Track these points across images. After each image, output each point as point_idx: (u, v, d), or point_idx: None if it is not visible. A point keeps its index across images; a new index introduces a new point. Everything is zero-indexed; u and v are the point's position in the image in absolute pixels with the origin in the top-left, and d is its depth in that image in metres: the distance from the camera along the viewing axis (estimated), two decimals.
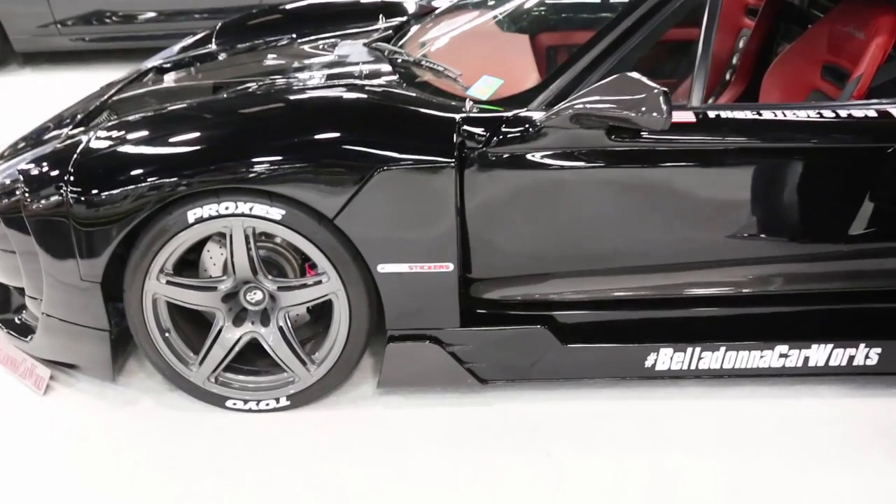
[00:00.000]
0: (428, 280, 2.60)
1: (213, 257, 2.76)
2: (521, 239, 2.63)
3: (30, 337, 2.91)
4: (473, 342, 2.72)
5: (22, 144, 3.05)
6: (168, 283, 2.63)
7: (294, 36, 3.62)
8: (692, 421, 2.73)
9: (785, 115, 2.56)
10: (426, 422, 2.73)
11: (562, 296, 2.75)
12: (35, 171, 2.66)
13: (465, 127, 2.50)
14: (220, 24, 3.92)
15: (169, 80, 3.34)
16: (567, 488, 2.48)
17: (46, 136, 3.00)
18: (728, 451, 2.60)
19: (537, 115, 2.52)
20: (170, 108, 2.80)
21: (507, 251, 2.65)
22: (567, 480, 2.51)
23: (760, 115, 2.56)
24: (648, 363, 2.74)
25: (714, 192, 2.60)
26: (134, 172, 2.52)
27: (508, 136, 2.51)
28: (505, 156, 2.51)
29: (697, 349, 2.72)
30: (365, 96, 2.67)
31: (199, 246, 2.70)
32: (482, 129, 2.51)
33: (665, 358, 2.73)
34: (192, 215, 2.51)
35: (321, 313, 2.91)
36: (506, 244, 2.63)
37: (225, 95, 2.85)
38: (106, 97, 3.19)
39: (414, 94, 2.69)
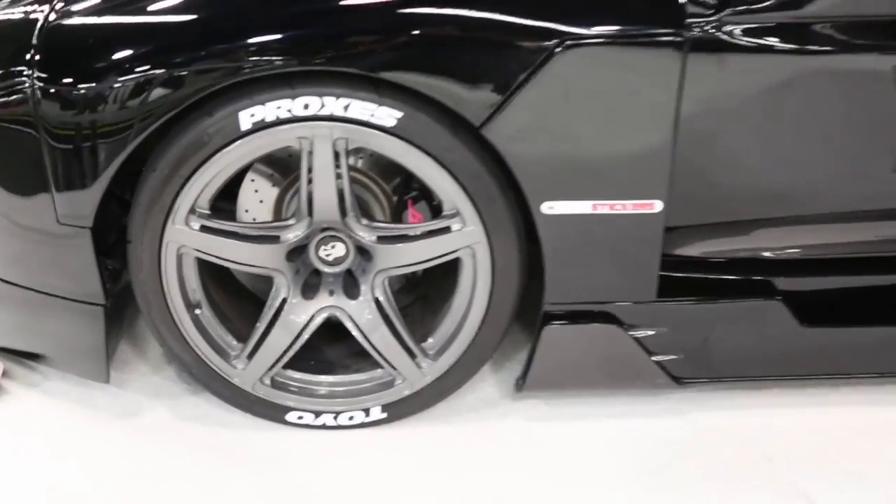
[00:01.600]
0: (620, 226, 1.64)
1: (259, 191, 1.79)
2: (751, 163, 1.68)
3: None
4: (669, 322, 1.78)
5: None
6: (203, 228, 1.64)
7: None
8: None
9: None
10: (594, 442, 1.79)
11: (801, 252, 1.84)
12: None
13: None
14: None
15: None
16: None
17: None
18: None
19: None
20: None
21: (726, 183, 1.70)
22: None
23: None
24: None
25: None
26: (146, 47, 1.53)
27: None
28: (748, 30, 1.55)
29: None
30: None
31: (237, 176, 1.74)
32: None
33: None
34: (247, 117, 1.53)
35: (421, 279, 1.97)
36: (727, 171, 1.68)
37: None
38: None
39: None
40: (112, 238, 1.76)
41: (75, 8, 1.61)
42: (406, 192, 1.85)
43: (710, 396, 1.91)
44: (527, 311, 1.79)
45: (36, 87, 1.55)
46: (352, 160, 1.76)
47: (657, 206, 1.64)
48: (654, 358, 1.80)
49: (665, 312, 1.77)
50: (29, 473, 1.72)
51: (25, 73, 1.56)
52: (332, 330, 1.80)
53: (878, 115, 1.66)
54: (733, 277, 1.82)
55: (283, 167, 1.77)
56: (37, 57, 1.56)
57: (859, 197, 1.77)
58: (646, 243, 1.68)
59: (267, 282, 1.77)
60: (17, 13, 1.67)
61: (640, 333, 1.78)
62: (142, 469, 1.73)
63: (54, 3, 1.65)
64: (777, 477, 1.72)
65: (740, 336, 1.82)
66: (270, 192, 1.79)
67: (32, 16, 1.62)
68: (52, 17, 1.60)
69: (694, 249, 1.81)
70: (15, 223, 1.69)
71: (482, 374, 1.94)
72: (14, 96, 1.57)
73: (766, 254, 1.83)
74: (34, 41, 1.58)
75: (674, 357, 1.81)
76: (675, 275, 1.80)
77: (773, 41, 1.57)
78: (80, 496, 1.68)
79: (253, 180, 1.79)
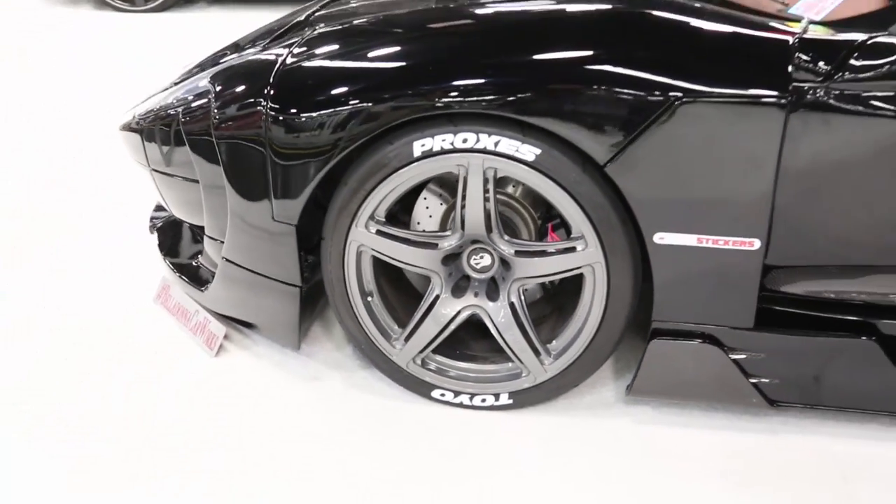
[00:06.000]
0: (722, 259, 1.86)
1: (429, 207, 2.16)
2: (851, 214, 1.83)
3: (205, 286, 2.37)
4: (766, 350, 1.95)
5: (196, 70, 2.55)
6: (379, 232, 2.01)
7: None
8: None
9: None
10: (692, 446, 1.99)
11: (893, 298, 2.01)
12: (228, 85, 2.13)
13: (801, 53, 1.80)
14: None
15: None
16: None
17: (223, 61, 2.50)
18: None
19: None
20: (394, 14, 2.23)
21: (827, 230, 1.85)
22: None
23: None
24: None
25: None
26: (349, 89, 1.90)
27: (863, 68, 1.77)
28: (852, 97, 1.72)
29: None
30: (660, 9, 1.96)
31: (408, 197, 2.10)
32: (824, 58, 1.77)
33: None
34: (418, 147, 1.88)
35: (556, 291, 2.29)
36: (828, 219, 1.83)
37: (456, 5, 2.26)
38: (306, 15, 2.66)
39: (721, 8, 1.99)
40: (315, 239, 2.14)
41: (302, 55, 2.07)
42: (549, 218, 2.18)
43: (803, 421, 2.05)
44: (645, 325, 2.02)
45: (268, 115, 1.97)
46: (510, 189, 2.12)
47: (756, 244, 1.83)
48: (750, 379, 1.97)
49: (763, 340, 1.94)
50: (230, 415, 2.16)
51: (262, 103, 2.01)
52: (471, 327, 2.12)
53: None
54: (831, 316, 2.00)
55: (452, 188, 2.06)
56: (271, 92, 2.01)
57: None
58: (744, 276, 1.87)
59: (425, 280, 2.10)
60: (266, 55, 2.11)
61: (738, 356, 1.96)
62: (316, 426, 2.11)
63: (293, 47, 2.10)
64: (851, 495, 1.85)
65: (834, 369, 1.95)
66: (438, 209, 2.13)
67: (275, 58, 2.07)
68: (289, 60, 2.04)
69: (796, 288, 1.96)
70: (243, 219, 2.11)
71: (603, 379, 2.21)
72: (251, 121, 2.01)
73: (864, 297, 1.96)
74: (271, 79, 2.05)
75: (769, 381, 1.98)
76: (776, 308, 2.02)
77: (870, 105, 1.73)
78: (266, 425, 2.10)
79: (425, 198, 2.13)
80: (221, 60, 2.46)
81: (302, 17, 2.60)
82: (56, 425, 2.19)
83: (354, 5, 2.63)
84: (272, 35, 2.49)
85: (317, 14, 2.61)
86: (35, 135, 4.39)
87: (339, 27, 2.17)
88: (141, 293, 2.74)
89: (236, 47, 2.62)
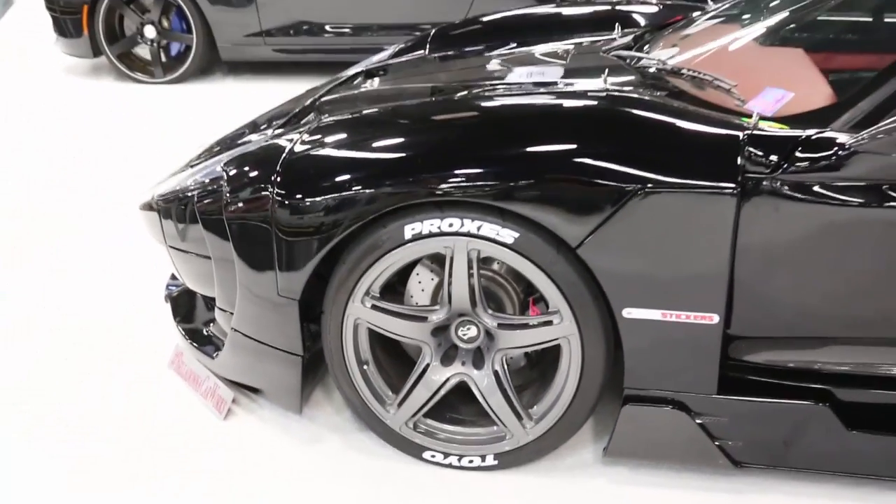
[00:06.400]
0: (684, 332, 2.04)
1: (421, 282, 2.34)
2: (804, 290, 2.01)
3: (216, 353, 2.56)
4: (730, 414, 2.11)
5: (217, 148, 2.74)
6: (373, 307, 2.19)
7: (515, 44, 3.24)
8: None
9: None
10: None
11: (847, 368, 2.14)
12: (239, 171, 2.34)
13: (751, 147, 2.01)
14: (434, 30, 3.60)
15: (378, 83, 3.03)
16: None
17: (240, 141, 2.73)
18: None
19: (845, 138, 1.99)
20: (392, 108, 2.45)
21: (783, 304, 2.03)
22: None
23: None
24: None
25: None
26: (348, 177, 2.11)
27: (806, 161, 1.96)
28: (798, 186, 1.92)
29: None
30: (624, 106, 2.19)
31: (404, 271, 2.29)
32: (771, 151, 1.97)
33: None
34: (409, 230, 2.08)
35: (539, 359, 2.46)
36: (783, 295, 2.02)
37: (455, 100, 2.49)
38: (313, 99, 2.90)
39: (681, 105, 2.21)
40: (318, 310, 2.32)
41: (306, 144, 2.29)
42: (531, 292, 2.37)
43: (767, 481, 2.21)
44: (616, 391, 2.20)
45: (275, 199, 2.18)
46: (496, 266, 2.31)
47: (715, 318, 2.01)
48: (716, 442, 2.13)
49: (726, 405, 2.10)
50: (239, 464, 2.31)
51: (269, 189, 2.20)
52: (459, 393, 2.28)
53: None
54: (788, 383, 2.17)
55: (442, 263, 2.20)
56: (278, 179, 2.21)
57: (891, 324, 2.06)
58: (705, 347, 2.04)
59: (417, 349, 2.30)
60: (274, 143, 2.33)
61: (703, 420, 2.12)
62: (314, 482, 2.28)
63: (301, 135, 2.30)
64: None
65: (793, 433, 2.10)
66: (430, 283, 2.31)
67: (282, 147, 2.27)
68: (296, 148, 2.23)
69: (758, 357, 2.13)
70: (251, 292, 2.29)
71: (583, 441, 2.37)
72: (259, 204, 2.23)
73: (819, 366, 2.13)
74: (278, 167, 2.26)
75: (733, 443, 2.13)
76: (739, 375, 2.19)
77: (814, 194, 1.92)
78: (271, 484, 2.24)
79: (418, 273, 2.32)
80: (239, 141, 2.69)
81: (308, 102, 2.83)
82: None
83: (355, 93, 2.87)
84: (284, 117, 2.73)
85: (323, 99, 2.84)
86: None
87: (336, 119, 2.38)
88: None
89: (254, 126, 2.86)
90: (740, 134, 1.98)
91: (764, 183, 1.94)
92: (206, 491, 2.12)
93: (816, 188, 1.94)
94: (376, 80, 3.03)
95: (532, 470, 2.30)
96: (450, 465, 2.30)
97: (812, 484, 2.21)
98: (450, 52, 3.30)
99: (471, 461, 2.29)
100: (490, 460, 2.28)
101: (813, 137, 1.97)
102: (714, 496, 2.19)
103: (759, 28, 2.76)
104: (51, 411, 2.34)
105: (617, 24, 3.17)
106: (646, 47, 2.86)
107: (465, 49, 3.31)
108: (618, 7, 3.55)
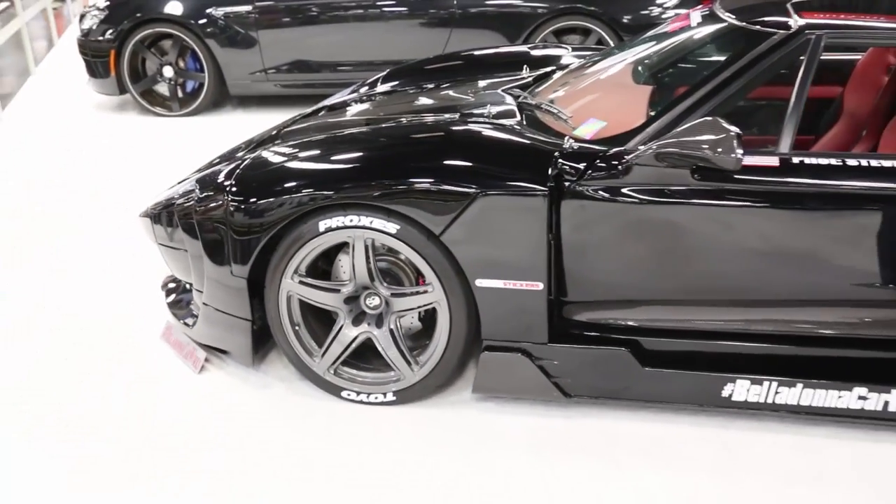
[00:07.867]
0: (520, 296, 2.76)
1: (342, 265, 3.09)
2: (611, 267, 2.73)
3: (194, 323, 3.36)
4: (560, 358, 2.84)
5: (217, 160, 3.51)
6: (300, 282, 2.92)
7: (446, 83, 4.01)
8: (766, 452, 2.69)
9: (869, 163, 2.63)
10: (514, 428, 2.84)
11: (647, 323, 2.82)
12: (207, 183, 3.15)
13: (563, 161, 2.75)
14: (387, 70, 4.40)
15: (333, 115, 3.81)
16: (640, 501, 2.55)
17: (237, 155, 3.52)
18: (797, 482, 2.57)
19: (630, 154, 2.72)
20: (318, 138, 3.22)
21: (597, 277, 2.76)
22: (641, 494, 2.57)
23: (844, 162, 2.64)
24: (726, 393, 2.74)
25: (793, 233, 2.62)
26: (283, 186, 2.84)
27: (600, 170, 2.69)
28: (597, 189, 2.66)
29: (774, 384, 2.70)
30: (477, 129, 2.95)
31: (333, 255, 3.08)
32: (578, 164, 2.69)
33: (742, 389, 2.73)
34: (322, 225, 2.81)
35: (432, 323, 3.23)
36: (596, 271, 2.75)
37: (367, 129, 3.28)
38: (280, 128, 3.71)
39: (520, 130, 2.96)
40: (262, 286, 3.08)
41: (254, 163, 3.07)
42: (420, 272, 3.11)
43: (594, 409, 2.92)
44: (481, 343, 2.91)
45: (229, 203, 2.96)
46: (401, 255, 3.06)
47: (540, 286, 2.74)
48: (551, 379, 2.87)
49: (557, 351, 2.82)
50: (208, 407, 3.02)
51: (225, 197, 3.04)
52: (369, 346, 3.02)
53: (675, 240, 2.68)
54: (606, 335, 2.89)
55: None
56: (232, 189, 3.04)
57: (681, 289, 2.78)
58: (536, 307, 2.76)
59: (335, 314, 3.04)
60: (231, 163, 3.17)
61: (541, 362, 2.85)
62: (260, 414, 2.97)
63: (253, 154, 3.13)
64: (611, 456, 2.72)
65: (606, 371, 2.83)
66: (349, 267, 3.12)
67: (236, 165, 3.12)
68: (245, 164, 3.04)
69: (582, 316, 2.86)
70: (215, 277, 3.08)
71: (465, 383, 3.09)
72: (219, 207, 2.97)
73: (630, 322, 2.84)
74: (232, 180, 3.07)
75: (564, 379, 2.86)
76: (571, 331, 2.92)
77: (610, 195, 2.65)
78: (233, 420, 2.93)
79: (339, 259, 3.07)
80: (236, 154, 3.46)
81: (275, 132, 3.64)
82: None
83: (310, 124, 3.65)
84: (259, 141, 3.53)
85: (285, 130, 3.65)
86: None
87: (278, 145, 3.18)
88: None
89: (249, 143, 3.64)
90: (556, 151, 2.74)
91: (570, 186, 2.69)
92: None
93: (609, 190, 2.68)
94: (334, 112, 3.81)
95: (423, 405, 3.02)
96: (360, 402, 3.05)
97: (628, 410, 2.92)
98: (396, 89, 4.07)
99: (376, 398, 3.04)
100: (390, 396, 3.02)
101: (609, 153, 2.72)
102: (552, 420, 2.90)
103: (614, 68, 3.51)
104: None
105: (525, 66, 3.94)
106: (540, 84, 3.62)
107: (408, 86, 4.09)
108: (532, 52, 4.32)
